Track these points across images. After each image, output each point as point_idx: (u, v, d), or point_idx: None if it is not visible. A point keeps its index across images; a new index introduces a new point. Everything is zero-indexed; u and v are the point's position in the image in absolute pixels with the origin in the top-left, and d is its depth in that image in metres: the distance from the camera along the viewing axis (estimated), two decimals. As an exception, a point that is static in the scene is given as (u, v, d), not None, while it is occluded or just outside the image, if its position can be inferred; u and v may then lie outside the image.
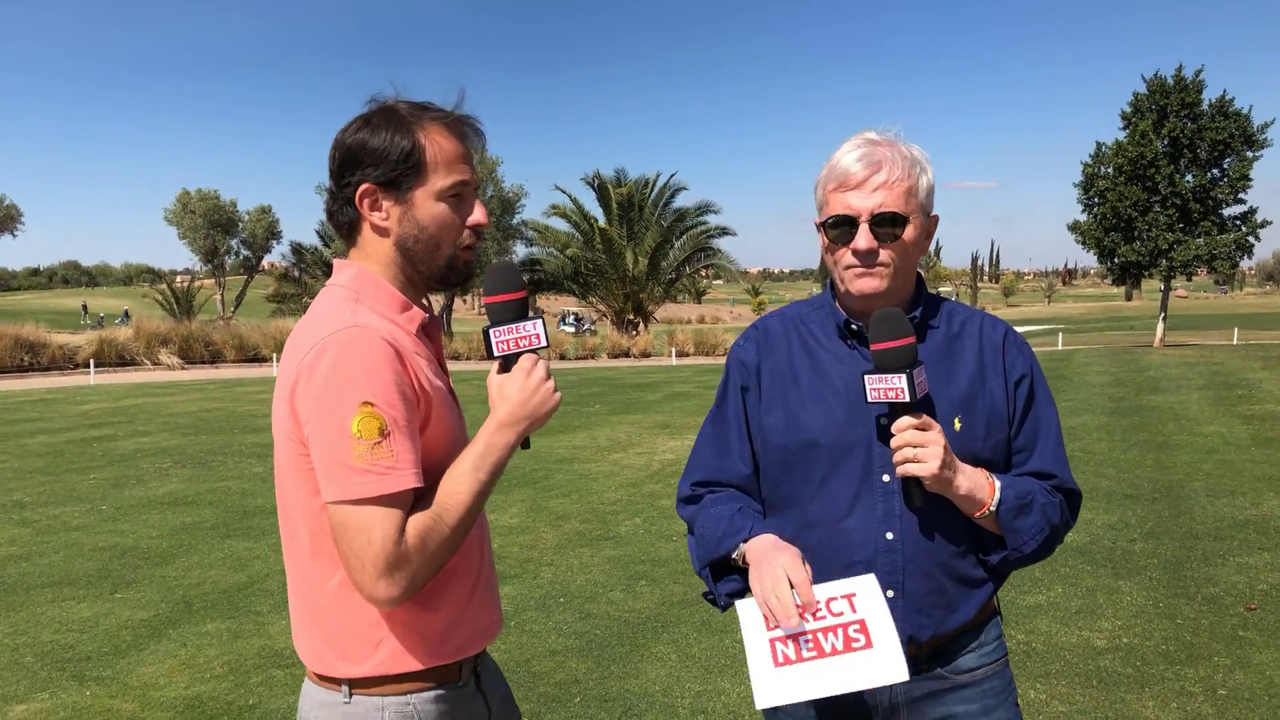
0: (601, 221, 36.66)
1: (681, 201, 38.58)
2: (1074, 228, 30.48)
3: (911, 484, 1.70)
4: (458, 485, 1.58)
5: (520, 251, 38.79)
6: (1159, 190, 28.18)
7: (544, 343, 1.67)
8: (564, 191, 37.80)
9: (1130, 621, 5.00)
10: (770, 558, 1.69)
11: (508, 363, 1.68)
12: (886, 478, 1.77)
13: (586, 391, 18.07)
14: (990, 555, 1.80)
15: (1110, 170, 29.03)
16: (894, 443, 1.69)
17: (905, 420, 1.68)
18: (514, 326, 1.66)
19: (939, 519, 1.76)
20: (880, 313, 1.71)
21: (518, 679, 4.49)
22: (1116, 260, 29.38)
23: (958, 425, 1.76)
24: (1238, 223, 28.56)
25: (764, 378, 1.91)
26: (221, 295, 59.62)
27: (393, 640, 1.63)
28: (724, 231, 38.04)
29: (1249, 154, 27.76)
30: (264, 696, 4.36)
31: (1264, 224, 28.25)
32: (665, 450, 10.89)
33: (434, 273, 1.68)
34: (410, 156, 1.60)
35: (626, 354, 31.14)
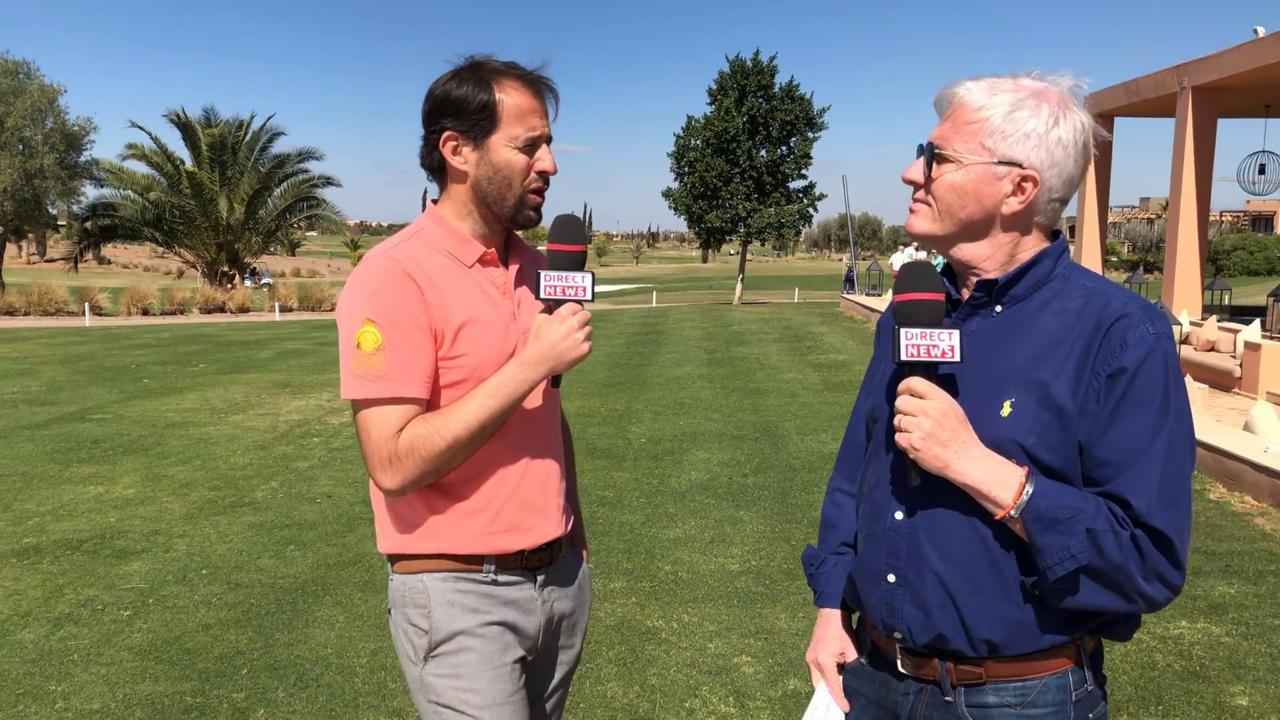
0: (189, 164, 33.39)
1: (281, 147, 36.23)
2: (667, 194, 32.96)
3: (907, 458, 1.50)
4: (465, 405, 1.77)
5: (90, 193, 34.18)
6: (739, 163, 31.30)
7: (589, 297, 1.80)
8: (142, 128, 33.71)
9: (755, 546, 5.67)
10: (813, 649, 1.81)
11: (553, 308, 1.80)
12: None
13: (185, 350, 16.60)
14: (1027, 576, 1.48)
15: (699, 142, 31.70)
16: (895, 406, 1.51)
17: (902, 383, 1.50)
18: (565, 275, 1.78)
19: (960, 509, 1.49)
20: (907, 263, 1.55)
21: (169, 658, 4.16)
22: (703, 225, 32.24)
23: (1007, 409, 1.46)
24: (800, 195, 32.58)
25: (881, 343, 1.79)
26: None
27: (413, 522, 1.87)
28: (328, 181, 36.39)
29: (810, 135, 31.73)
30: None
31: (821, 197, 32.53)
32: (290, 411, 10.37)
33: (505, 211, 1.87)
34: (486, 109, 1.80)
35: (221, 309, 28.87)
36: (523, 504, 1.90)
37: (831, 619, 1.79)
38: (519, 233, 2.02)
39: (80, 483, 7.19)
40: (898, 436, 1.48)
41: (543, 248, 1.91)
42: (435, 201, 1.94)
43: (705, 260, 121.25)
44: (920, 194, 1.56)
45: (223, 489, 7.03)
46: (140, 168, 33.73)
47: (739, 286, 33.31)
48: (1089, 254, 20.61)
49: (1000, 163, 1.48)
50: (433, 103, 1.83)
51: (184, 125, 34.06)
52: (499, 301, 1.90)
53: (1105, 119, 20.04)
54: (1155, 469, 1.41)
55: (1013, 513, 1.42)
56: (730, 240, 34.07)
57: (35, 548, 5.65)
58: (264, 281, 41.72)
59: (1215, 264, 47.07)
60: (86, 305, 25.89)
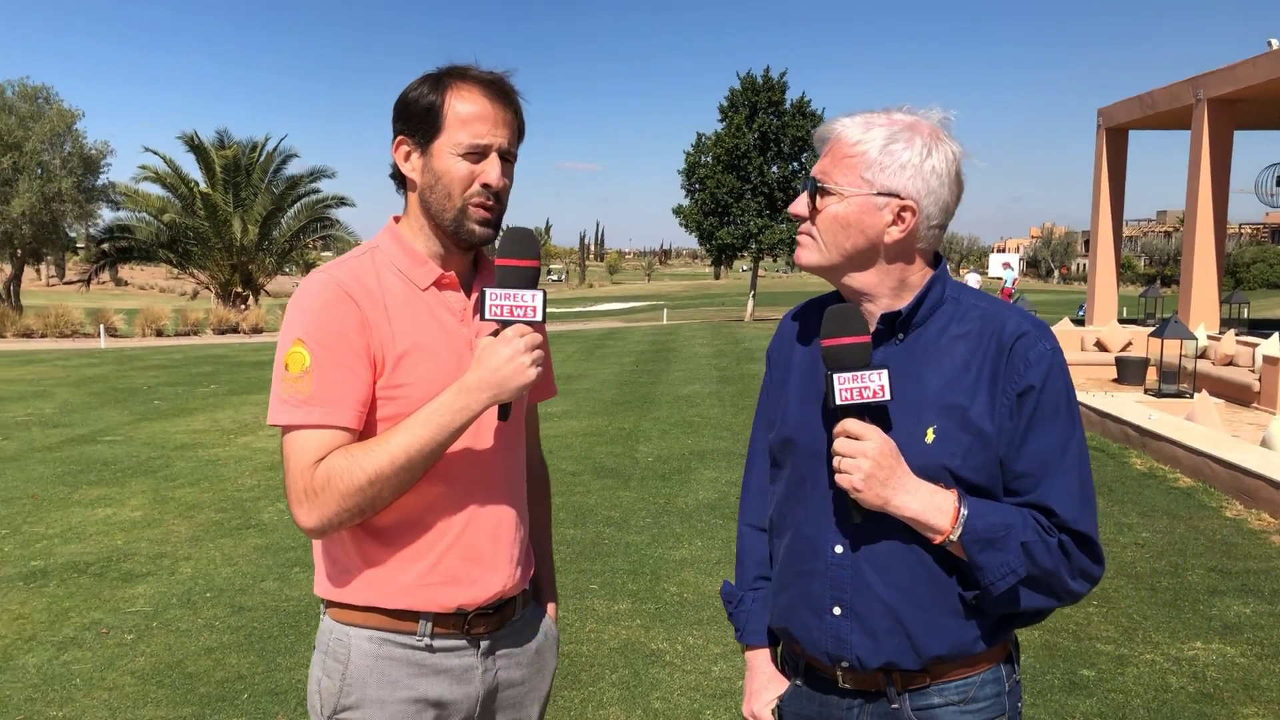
0: (203, 185, 33.64)
1: (294, 168, 36.45)
2: (678, 211, 33.00)
3: (848, 497, 1.54)
4: (391, 435, 1.58)
5: (106, 216, 34.46)
6: (750, 179, 31.35)
7: (539, 317, 1.63)
8: (156, 153, 33.68)
9: (762, 566, 5.60)
10: (747, 702, 1.79)
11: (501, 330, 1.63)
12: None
13: (197, 371, 16.68)
14: (968, 591, 1.56)
15: (709, 159, 31.76)
16: (833, 449, 1.55)
17: (839, 426, 1.54)
18: (512, 294, 1.61)
19: (900, 538, 1.55)
20: (832, 308, 1.59)
21: (171, 682, 4.13)
22: (715, 242, 32.26)
23: (930, 437, 1.53)
24: (812, 211, 32.58)
25: (774, 371, 1.80)
26: None
27: (346, 568, 1.70)
28: (341, 201, 36.63)
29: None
30: None
31: (832, 213, 32.49)
32: (299, 430, 10.37)
33: (446, 224, 1.69)
34: (431, 111, 1.66)
35: (235, 329, 29.04)
36: (467, 554, 1.71)
37: (760, 663, 1.82)
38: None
39: (89, 505, 7.20)
40: (838, 478, 1.53)
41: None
42: (397, 218, 1.79)
43: (718, 277, 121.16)
44: (806, 226, 1.61)
45: (229, 511, 7.02)
46: (155, 190, 34.07)
47: (750, 303, 33.27)
48: (1104, 268, 20.47)
49: (880, 194, 1.54)
50: (395, 106, 1.72)
51: (198, 148, 34.37)
52: (453, 329, 1.72)
53: (1120, 132, 19.97)
54: (1073, 476, 1.54)
55: (952, 537, 1.50)
56: (742, 256, 34.06)
57: (42, 571, 5.64)
58: None
59: (1235, 277, 46.79)
60: (102, 327, 26.07)
